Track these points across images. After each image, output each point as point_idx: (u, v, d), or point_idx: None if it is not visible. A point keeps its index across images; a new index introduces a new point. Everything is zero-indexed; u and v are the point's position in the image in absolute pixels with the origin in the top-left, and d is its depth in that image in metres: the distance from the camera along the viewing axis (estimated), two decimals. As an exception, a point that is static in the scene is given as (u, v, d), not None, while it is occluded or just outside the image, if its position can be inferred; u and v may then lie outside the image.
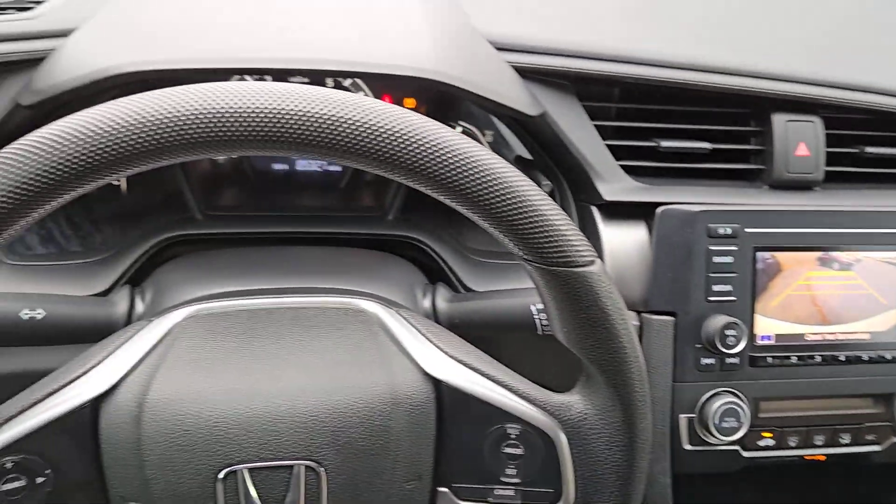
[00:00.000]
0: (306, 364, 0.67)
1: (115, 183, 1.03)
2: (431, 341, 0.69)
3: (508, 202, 0.57)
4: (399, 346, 0.69)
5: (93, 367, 0.64)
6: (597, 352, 0.63)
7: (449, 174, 0.55)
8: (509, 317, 0.82)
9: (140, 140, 0.50)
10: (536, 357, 0.83)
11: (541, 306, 0.80)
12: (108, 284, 0.88)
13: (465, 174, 0.55)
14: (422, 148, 0.54)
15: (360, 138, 0.53)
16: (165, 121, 0.51)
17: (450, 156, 0.55)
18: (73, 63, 0.80)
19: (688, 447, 0.93)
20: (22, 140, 0.51)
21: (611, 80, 0.94)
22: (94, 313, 0.78)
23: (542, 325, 0.81)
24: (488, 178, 0.56)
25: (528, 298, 0.82)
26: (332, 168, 1.11)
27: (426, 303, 0.86)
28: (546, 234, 0.58)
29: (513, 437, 0.67)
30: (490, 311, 0.83)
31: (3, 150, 0.52)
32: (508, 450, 0.68)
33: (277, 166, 1.09)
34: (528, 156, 1.04)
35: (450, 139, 0.56)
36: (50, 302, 0.76)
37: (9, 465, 0.61)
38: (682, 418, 0.92)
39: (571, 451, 0.67)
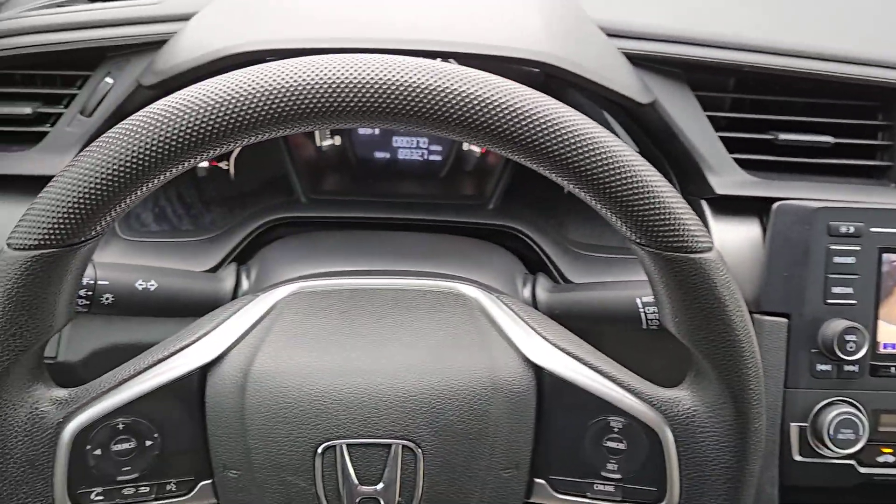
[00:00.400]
0: (406, 344, 0.66)
1: (224, 167, 1.06)
2: (533, 328, 0.68)
3: (624, 182, 0.55)
4: (500, 331, 0.68)
5: (201, 336, 0.66)
6: (710, 344, 0.60)
7: (563, 151, 0.54)
8: (613, 309, 0.79)
9: (260, 110, 0.51)
10: (641, 353, 0.80)
11: (647, 299, 0.77)
12: (216, 262, 0.90)
13: (581, 152, 0.54)
14: (537, 124, 0.53)
15: (477, 113, 0.53)
16: (285, 90, 0.51)
17: (566, 133, 0.54)
18: (193, 44, 0.82)
19: (798, 458, 0.88)
20: (146, 110, 0.53)
21: (725, 69, 0.90)
22: (203, 288, 0.80)
23: (647, 319, 0.78)
24: (604, 156, 0.54)
25: (634, 291, 0.79)
26: (433, 157, 1.11)
27: (526, 292, 0.85)
28: (662, 218, 0.56)
29: (615, 430, 0.65)
30: (593, 303, 0.80)
31: (129, 118, 0.54)
32: (610, 444, 0.65)
33: (380, 154, 1.10)
34: (634, 147, 1.01)
35: (567, 115, 0.54)
36: (162, 275, 0.78)
37: (120, 427, 0.63)
38: (794, 427, 0.87)
39: (678, 449, 0.64)
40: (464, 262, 0.83)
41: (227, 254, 0.91)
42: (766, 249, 0.86)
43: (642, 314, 0.78)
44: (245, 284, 0.83)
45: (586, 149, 0.54)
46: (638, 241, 0.58)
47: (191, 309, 0.79)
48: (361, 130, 1.09)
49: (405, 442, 0.62)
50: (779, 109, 0.92)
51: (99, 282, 0.74)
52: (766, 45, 0.89)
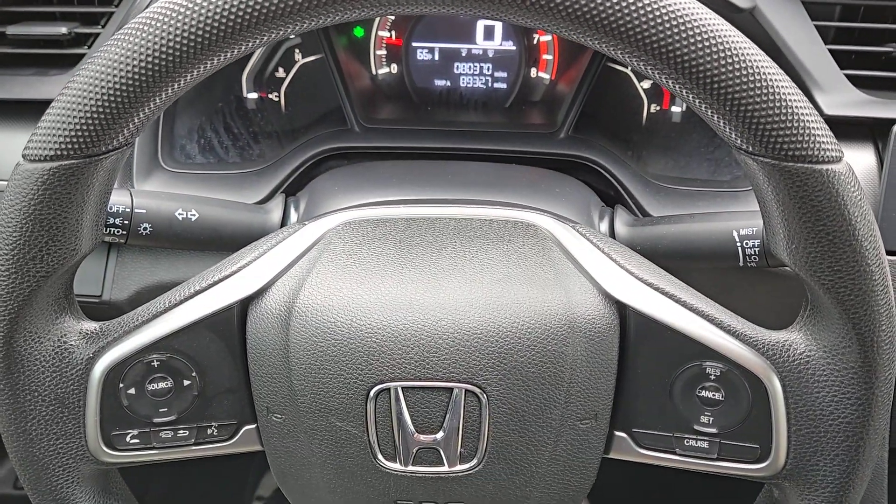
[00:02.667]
0: (470, 277, 0.58)
1: (275, 98, 1.00)
2: (615, 261, 0.59)
3: (737, 76, 0.45)
4: (577, 264, 0.59)
5: (242, 267, 0.60)
6: (835, 274, 0.50)
7: (665, 37, 0.44)
8: (706, 244, 0.69)
9: None
10: (739, 294, 0.71)
11: (745, 231, 0.67)
12: (264, 195, 0.83)
13: (686, 38, 0.44)
14: (638, 9, 0.44)
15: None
16: None
17: (668, 16, 0.44)
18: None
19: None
20: None
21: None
22: (248, 219, 0.74)
23: (745, 255, 0.67)
24: (714, 44, 0.45)
25: (729, 223, 0.69)
26: (497, 85, 1.02)
27: (603, 226, 0.75)
28: (783, 120, 0.46)
29: (712, 378, 0.56)
30: (681, 237, 0.71)
31: (154, 5, 0.46)
32: (705, 393, 0.56)
33: (439, 82, 1.01)
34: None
35: (678, 5, 0.45)
36: (205, 204, 0.72)
37: (156, 364, 0.57)
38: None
39: (786, 400, 0.55)
40: (533, 192, 0.75)
41: (275, 186, 0.84)
42: (884, 179, 0.75)
43: (739, 249, 0.68)
44: (293, 216, 0.76)
45: (693, 35, 0.44)
46: (750, 148, 0.48)
47: (235, 241, 0.72)
48: (420, 56, 1.00)
49: (468, 386, 0.55)
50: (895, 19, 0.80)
51: (136, 210, 0.68)
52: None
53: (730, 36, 0.45)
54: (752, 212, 0.69)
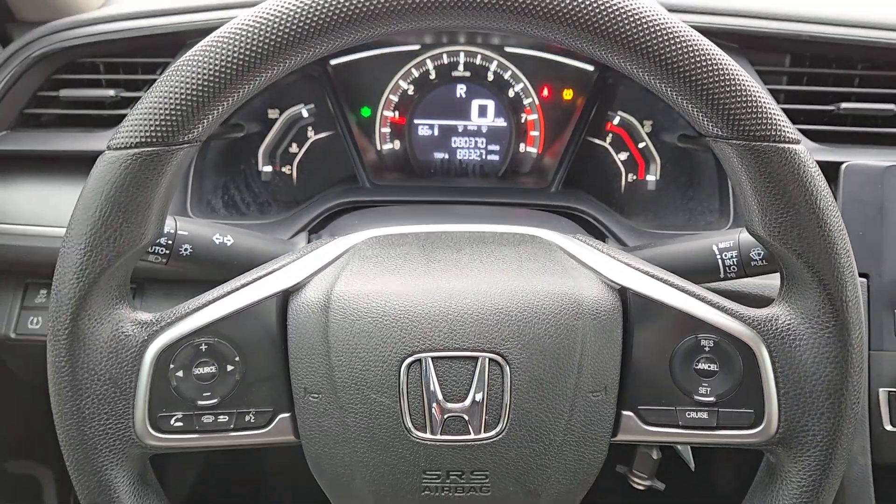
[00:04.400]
0: (489, 268, 0.66)
1: (287, 172, 1.09)
2: (615, 257, 0.67)
3: (707, 69, 0.56)
4: (581, 262, 0.68)
5: (281, 267, 0.66)
6: (804, 242, 0.58)
7: (643, 38, 0.55)
8: (688, 259, 0.78)
9: None
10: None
11: (723, 244, 0.76)
12: (288, 237, 0.91)
13: (661, 39, 0.55)
14: (613, 9, 0.55)
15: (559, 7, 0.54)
16: None
17: (645, 19, 0.55)
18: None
19: (889, 427, 0.84)
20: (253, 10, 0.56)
21: (782, 40, 0.92)
22: (277, 249, 0.81)
23: (725, 266, 0.76)
24: (685, 43, 0.55)
25: (708, 240, 0.78)
26: (491, 157, 1.13)
27: None
28: (748, 106, 0.56)
29: (706, 350, 0.63)
30: (665, 256, 0.79)
31: (236, 20, 0.56)
32: (701, 365, 0.63)
33: (438, 154, 1.12)
34: (692, 132, 1.02)
35: (644, 4, 0.56)
36: (238, 233, 0.80)
37: (203, 348, 0.63)
38: (882, 393, 0.83)
39: (774, 366, 0.62)
40: (531, 223, 0.84)
41: (296, 230, 0.93)
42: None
43: (720, 262, 0.76)
44: None
45: (667, 36, 0.55)
46: (722, 133, 0.58)
47: None
48: (421, 132, 1.12)
49: (492, 355, 0.61)
50: (836, 82, 0.93)
51: (179, 231, 0.75)
52: (821, 16, 0.91)
53: (698, 38, 0.56)
54: (728, 231, 0.78)
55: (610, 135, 1.09)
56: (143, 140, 0.56)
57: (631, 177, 1.10)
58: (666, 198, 1.05)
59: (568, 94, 1.11)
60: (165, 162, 0.58)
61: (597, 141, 1.09)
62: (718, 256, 0.76)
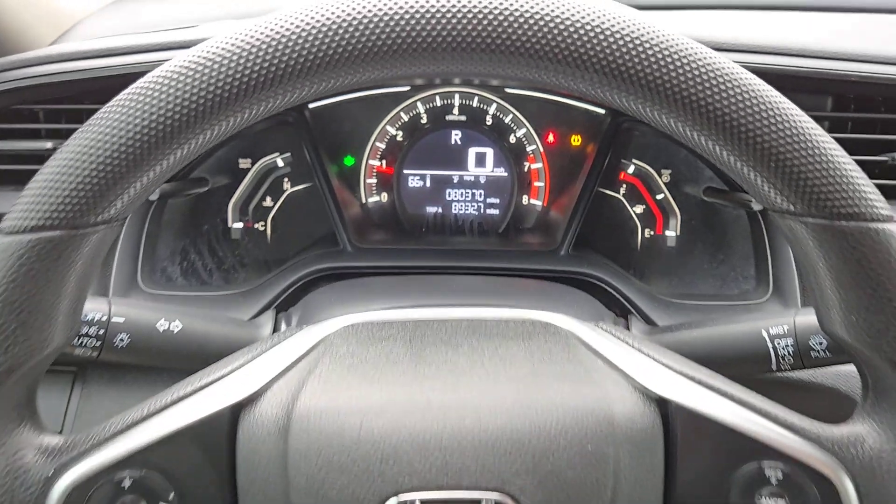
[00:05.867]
0: (493, 374, 0.52)
1: (260, 228, 0.97)
2: (649, 355, 0.54)
3: (780, 132, 0.43)
4: (607, 361, 0.54)
5: (232, 371, 0.53)
6: None
7: (708, 97, 0.42)
8: (733, 348, 0.65)
9: (333, 44, 0.41)
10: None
11: (776, 330, 0.63)
12: (253, 314, 0.78)
13: (729, 97, 0.42)
14: (669, 59, 0.42)
15: (590, 44, 0.42)
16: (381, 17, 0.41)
17: (707, 71, 0.42)
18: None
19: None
20: (181, 57, 0.43)
21: (826, 80, 0.79)
22: (236, 334, 0.68)
23: (778, 357, 0.63)
24: (756, 101, 0.43)
25: (757, 322, 0.65)
26: (490, 211, 1.00)
27: None
28: (830, 177, 0.43)
29: (773, 481, 0.49)
30: (705, 342, 0.66)
31: (164, 66, 0.44)
32: (767, 500, 0.49)
33: (431, 208, 1.00)
34: (721, 185, 0.89)
35: (705, 53, 0.43)
36: (189, 315, 0.66)
37: (126, 484, 0.49)
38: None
39: (862, 503, 0.48)
40: (541, 301, 0.70)
41: (264, 305, 0.79)
42: None
43: (771, 351, 0.63)
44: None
45: (731, 91, 0.42)
46: (795, 209, 0.45)
47: (218, 359, 0.66)
48: (411, 183, 0.99)
49: (499, 496, 0.47)
50: (884, 129, 0.81)
51: (113, 318, 0.62)
52: (868, 54, 0.79)
53: (769, 93, 0.43)
54: (780, 311, 0.65)
55: (624, 185, 0.97)
56: (42, 223, 0.43)
57: (648, 232, 0.97)
58: (691, 260, 0.92)
59: (576, 141, 0.98)
60: (74, 249, 0.44)
61: (609, 192, 0.96)
62: (770, 344, 0.63)
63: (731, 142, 0.43)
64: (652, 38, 0.42)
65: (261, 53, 0.41)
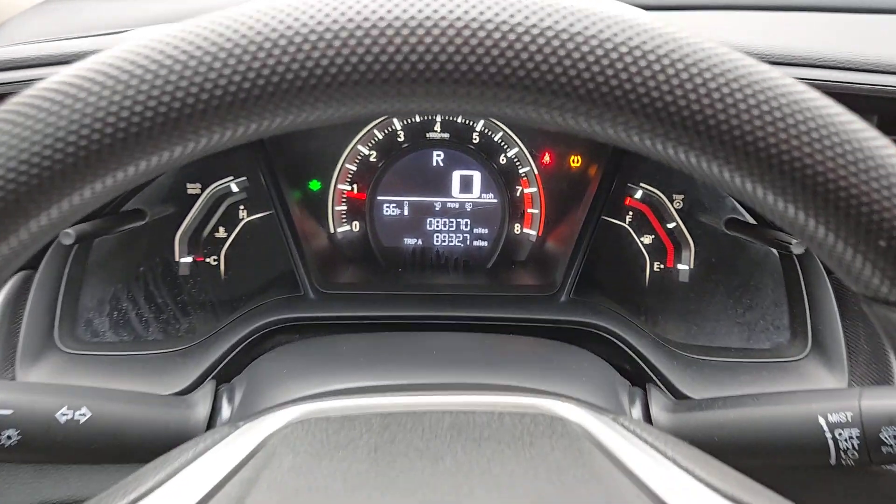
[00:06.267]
0: (483, 497, 0.39)
1: (213, 264, 0.83)
2: (687, 469, 0.41)
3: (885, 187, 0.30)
4: (631, 475, 0.41)
5: (153, 488, 0.40)
6: None
7: (790, 143, 0.30)
8: (782, 435, 0.52)
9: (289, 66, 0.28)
10: (831, 499, 0.52)
11: (835, 417, 0.50)
12: (190, 381, 0.64)
13: (825, 146, 0.30)
14: (733, 91, 0.29)
15: (638, 80, 0.29)
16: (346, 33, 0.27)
17: (792, 111, 0.30)
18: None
19: None
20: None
21: (872, 97, 0.67)
22: (162, 417, 0.54)
23: (839, 449, 0.50)
24: (866, 158, 0.30)
25: (811, 405, 0.52)
26: (477, 243, 0.88)
27: (636, 412, 0.58)
28: None
29: None
30: (746, 426, 0.53)
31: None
32: None
33: (409, 240, 0.87)
34: (746, 217, 0.77)
35: (783, 83, 0.30)
36: (100, 398, 0.52)
37: None
38: None
39: None
40: (543, 370, 0.58)
41: (205, 370, 0.66)
42: None
43: (831, 442, 0.50)
44: (226, 410, 0.57)
45: (830, 140, 0.30)
46: None
47: (144, 449, 0.53)
48: (386, 211, 0.86)
49: None
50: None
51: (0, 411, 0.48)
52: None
53: (878, 145, 0.31)
54: (838, 391, 0.52)
55: (630, 212, 0.84)
56: None
57: (658, 265, 0.85)
58: (710, 303, 0.79)
59: (576, 162, 0.86)
60: None
61: (614, 220, 0.84)
62: (829, 434, 0.50)
63: (824, 208, 0.31)
64: (703, 57, 0.29)
65: (144, 87, 0.28)
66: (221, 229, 0.83)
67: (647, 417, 0.58)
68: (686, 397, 0.65)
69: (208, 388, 0.59)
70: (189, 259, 0.82)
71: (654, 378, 0.67)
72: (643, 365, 0.68)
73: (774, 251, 0.75)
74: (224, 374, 0.65)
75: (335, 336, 0.65)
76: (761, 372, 0.67)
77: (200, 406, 0.56)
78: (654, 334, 0.74)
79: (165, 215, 0.80)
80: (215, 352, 0.67)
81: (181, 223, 0.82)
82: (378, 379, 0.54)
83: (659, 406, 0.58)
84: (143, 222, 0.75)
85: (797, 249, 0.65)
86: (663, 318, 0.78)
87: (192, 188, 0.82)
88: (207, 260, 0.83)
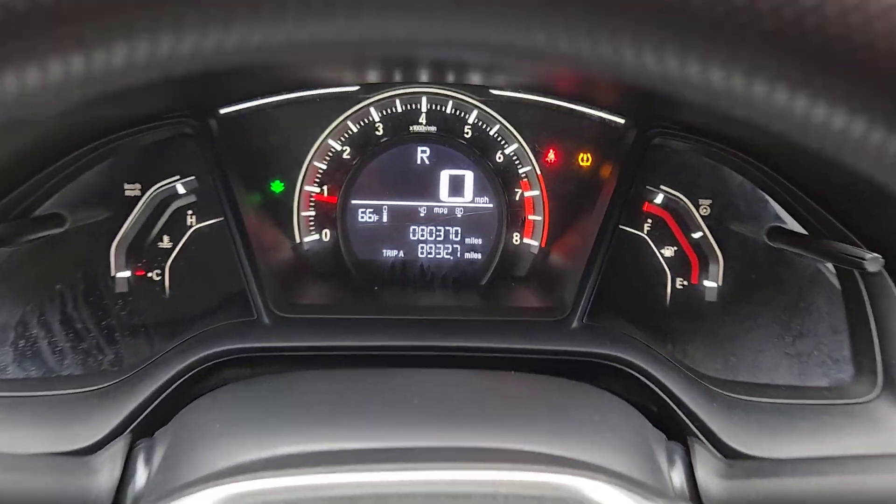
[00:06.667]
0: None
1: (156, 278, 0.70)
2: None
3: None
4: None
5: None
6: None
7: None
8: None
9: None
10: None
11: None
12: (102, 434, 0.50)
13: None
14: None
15: None
16: None
17: None
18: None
19: None
20: None
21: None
22: (54, 488, 0.41)
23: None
24: None
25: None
26: (469, 255, 0.75)
27: (677, 476, 0.45)
28: None
29: None
30: (828, 500, 0.40)
31: None
32: None
33: (389, 252, 0.74)
34: (795, 227, 0.64)
35: None
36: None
37: None
38: None
39: None
40: (557, 424, 0.44)
41: (123, 419, 0.51)
42: None
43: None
44: (140, 477, 0.43)
45: None
46: None
47: None
48: (362, 218, 0.73)
49: None
50: None
51: None
52: None
53: None
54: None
55: (649, 220, 0.71)
56: None
57: (680, 282, 0.72)
58: (749, 327, 0.66)
59: (585, 160, 0.74)
60: None
61: (629, 229, 0.71)
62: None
63: None
64: None
65: None
66: (166, 238, 0.70)
67: (692, 482, 0.44)
68: (737, 453, 0.51)
69: (120, 445, 0.45)
70: (127, 273, 0.69)
71: (692, 425, 0.54)
72: (676, 408, 0.55)
73: (827, 266, 0.62)
74: (148, 424, 0.51)
75: (291, 374, 0.51)
76: (822, 417, 0.54)
77: (105, 472, 0.43)
78: (684, 366, 0.60)
79: (93, 222, 0.66)
80: (141, 392, 0.53)
81: (118, 231, 0.68)
82: (340, 439, 0.40)
83: (707, 469, 0.45)
84: (62, 229, 0.62)
85: (872, 266, 0.52)
86: (693, 346, 0.66)
87: (131, 189, 0.69)
88: (149, 274, 0.70)
